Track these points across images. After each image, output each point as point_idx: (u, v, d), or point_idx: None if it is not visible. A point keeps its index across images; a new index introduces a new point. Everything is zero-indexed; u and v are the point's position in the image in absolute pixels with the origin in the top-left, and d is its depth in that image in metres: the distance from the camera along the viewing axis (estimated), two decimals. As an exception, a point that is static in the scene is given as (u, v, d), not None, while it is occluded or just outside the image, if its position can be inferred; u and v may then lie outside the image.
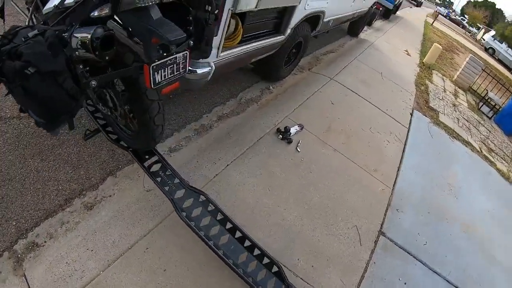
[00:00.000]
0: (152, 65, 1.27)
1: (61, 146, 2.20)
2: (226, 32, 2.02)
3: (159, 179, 1.98)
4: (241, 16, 2.21)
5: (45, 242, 1.73)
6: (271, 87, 3.86)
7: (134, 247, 1.81)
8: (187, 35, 1.45)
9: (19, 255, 1.65)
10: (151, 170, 2.01)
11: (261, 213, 2.26)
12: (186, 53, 1.41)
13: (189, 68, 1.97)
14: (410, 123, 4.49)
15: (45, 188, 1.97)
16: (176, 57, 1.36)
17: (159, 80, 1.34)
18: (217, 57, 2.12)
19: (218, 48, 2.07)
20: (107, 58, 1.18)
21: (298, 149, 2.95)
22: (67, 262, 1.65)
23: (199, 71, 2.04)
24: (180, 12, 1.41)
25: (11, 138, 2.14)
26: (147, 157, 2.06)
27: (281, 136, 2.97)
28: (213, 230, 1.90)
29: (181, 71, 1.44)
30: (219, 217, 1.97)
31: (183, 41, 1.30)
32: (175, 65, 1.38)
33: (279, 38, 2.95)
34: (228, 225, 1.96)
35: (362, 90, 4.69)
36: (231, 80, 3.69)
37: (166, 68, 1.34)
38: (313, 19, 3.54)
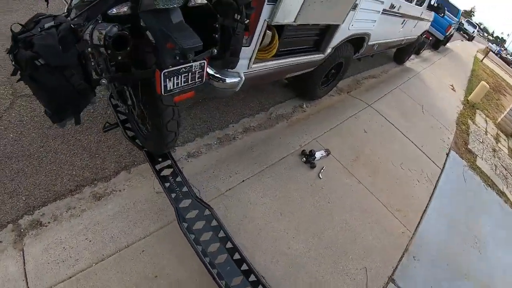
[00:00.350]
0: (164, 71, 1.10)
1: (83, 132, 2.13)
2: (260, 43, 1.83)
3: (167, 184, 1.82)
4: (279, 29, 2.00)
5: (48, 222, 1.67)
6: (304, 106, 3.56)
7: (131, 247, 1.69)
8: (212, 44, 1.28)
9: (21, 230, 1.61)
10: (161, 174, 1.86)
11: (268, 237, 2.02)
12: (204, 63, 1.23)
13: (218, 76, 1.82)
14: (444, 164, 3.99)
15: (60, 171, 1.90)
16: (192, 65, 1.18)
17: (171, 87, 1.17)
18: (248, 68, 1.93)
19: (250, 59, 1.88)
20: (119, 58, 1.04)
21: (320, 176, 2.66)
22: (64, 247, 1.59)
23: (228, 80, 1.85)
24: (207, 18, 1.24)
25: (38, 116, 2.10)
26: (160, 160, 1.91)
27: (305, 159, 2.70)
28: (212, 247, 1.71)
29: (196, 80, 1.25)
30: (221, 234, 1.78)
31: (200, 49, 1.12)
32: (190, 73, 1.20)
33: (318, 56, 2.69)
34: (229, 245, 1.75)
35: (399, 121, 4.26)
36: (264, 92, 3.46)
37: (180, 76, 1.17)
38: (357, 41, 3.23)
